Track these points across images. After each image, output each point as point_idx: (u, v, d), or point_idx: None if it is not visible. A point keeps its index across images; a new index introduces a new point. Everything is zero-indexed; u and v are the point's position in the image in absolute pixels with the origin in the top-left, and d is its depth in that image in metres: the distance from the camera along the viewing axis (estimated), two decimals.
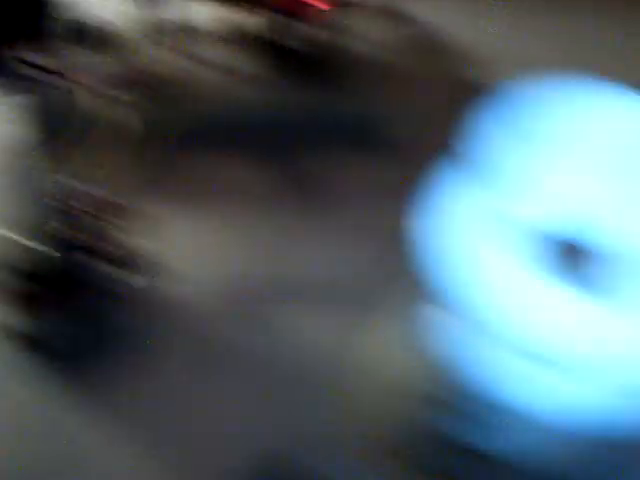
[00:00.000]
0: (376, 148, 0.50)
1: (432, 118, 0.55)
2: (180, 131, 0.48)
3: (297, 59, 0.51)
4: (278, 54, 0.52)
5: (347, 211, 0.46)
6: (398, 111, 0.50)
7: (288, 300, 0.42)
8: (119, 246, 0.44)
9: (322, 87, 0.50)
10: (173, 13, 0.54)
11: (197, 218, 0.46)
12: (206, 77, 0.50)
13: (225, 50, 0.53)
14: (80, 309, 0.47)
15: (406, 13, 0.66)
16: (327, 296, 0.41)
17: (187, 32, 0.54)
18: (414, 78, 0.52)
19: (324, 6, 0.50)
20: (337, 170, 0.48)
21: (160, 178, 0.48)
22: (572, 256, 0.34)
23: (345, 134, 0.49)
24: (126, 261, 0.44)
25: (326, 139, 0.49)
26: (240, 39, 0.55)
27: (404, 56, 0.54)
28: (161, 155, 0.46)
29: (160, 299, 0.42)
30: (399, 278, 0.47)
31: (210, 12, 0.59)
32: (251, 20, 0.56)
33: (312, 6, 0.51)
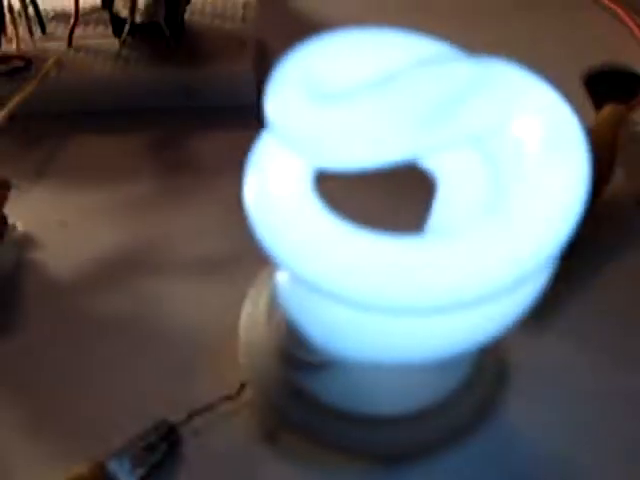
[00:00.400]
0: (239, 117, 0.49)
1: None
2: (41, 107, 0.47)
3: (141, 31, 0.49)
4: (122, 27, 0.49)
5: (216, 183, 0.45)
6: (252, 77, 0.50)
7: (157, 272, 0.42)
8: None
9: (172, 59, 0.49)
10: None
11: (62, 192, 0.44)
12: (61, 53, 0.50)
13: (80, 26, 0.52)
14: None
15: None
16: (196, 268, 0.40)
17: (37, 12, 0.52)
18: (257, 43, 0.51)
19: None
20: (204, 142, 0.47)
21: (22, 153, 0.47)
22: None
23: (203, 104, 0.49)
24: None
25: (184, 110, 0.48)
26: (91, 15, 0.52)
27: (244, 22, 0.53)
28: (22, 129, 0.45)
29: (25, 271, 0.41)
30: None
31: None
32: None
33: None
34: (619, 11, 0.63)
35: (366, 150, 0.28)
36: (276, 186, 0.30)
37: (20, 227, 0.46)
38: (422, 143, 0.29)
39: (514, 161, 0.29)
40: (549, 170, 0.29)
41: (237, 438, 0.37)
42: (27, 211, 0.47)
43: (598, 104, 0.55)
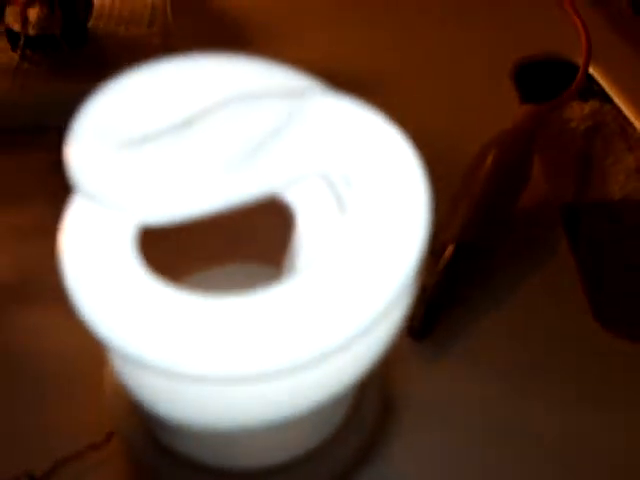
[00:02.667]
0: None
1: None
2: None
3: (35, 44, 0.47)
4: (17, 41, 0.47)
5: None
6: None
7: (30, 304, 0.40)
8: None
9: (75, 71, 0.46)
10: None
11: None
12: None
13: None
14: None
15: None
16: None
17: None
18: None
19: None
20: None
21: None
22: None
23: None
24: None
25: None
26: None
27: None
28: None
29: None
30: None
31: None
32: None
33: None
34: None
35: (172, 199, 0.26)
36: (90, 245, 0.27)
37: None
38: (236, 186, 0.26)
39: (350, 198, 0.27)
40: (383, 208, 0.26)
41: None
42: None
43: (531, 96, 0.53)
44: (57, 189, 0.48)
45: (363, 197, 0.27)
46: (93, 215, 0.28)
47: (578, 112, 0.52)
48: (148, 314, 0.25)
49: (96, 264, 0.27)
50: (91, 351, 0.36)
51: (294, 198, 0.30)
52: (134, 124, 0.28)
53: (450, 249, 0.40)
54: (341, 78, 0.53)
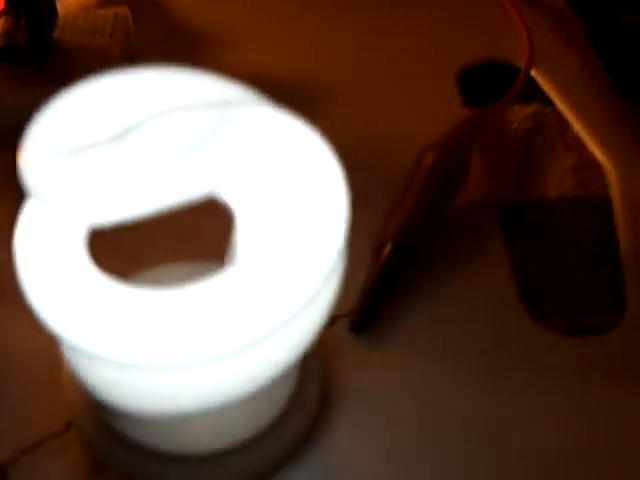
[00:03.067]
0: None
1: None
2: None
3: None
4: None
5: None
6: None
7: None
8: None
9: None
10: None
11: None
12: None
13: None
14: None
15: None
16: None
17: None
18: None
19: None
20: None
21: None
22: None
23: None
24: None
25: None
26: None
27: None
28: None
29: None
30: None
31: None
32: None
33: None
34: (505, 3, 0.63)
35: (115, 200, 0.29)
36: (43, 245, 0.30)
37: None
38: (170, 187, 0.29)
39: (277, 198, 0.30)
40: (306, 205, 0.30)
41: (64, 475, 0.37)
42: None
43: (475, 100, 0.55)
44: (15, 193, 0.50)
45: (288, 197, 0.30)
46: (45, 217, 0.30)
47: (520, 114, 0.55)
48: (95, 308, 0.28)
49: (48, 262, 0.30)
50: (50, 351, 0.39)
51: (232, 199, 0.33)
52: (81, 132, 0.30)
53: (388, 248, 0.42)
54: (289, 84, 0.56)
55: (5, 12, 0.51)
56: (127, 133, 0.30)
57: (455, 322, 0.43)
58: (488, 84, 0.58)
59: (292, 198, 0.30)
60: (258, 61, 0.58)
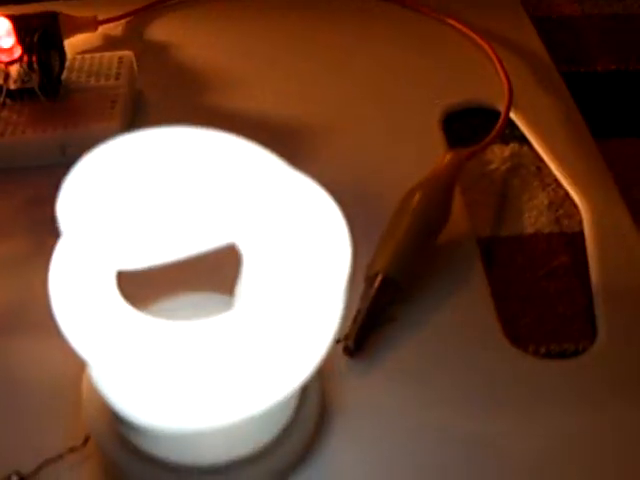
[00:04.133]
0: None
1: None
2: None
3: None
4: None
5: None
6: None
7: (15, 329, 0.43)
8: None
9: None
10: None
11: None
12: None
13: None
14: None
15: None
16: (54, 325, 0.41)
17: None
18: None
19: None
20: None
21: None
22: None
23: (77, 161, 0.50)
24: None
25: (59, 167, 0.49)
26: None
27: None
28: None
29: None
30: None
31: None
32: None
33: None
34: (485, 46, 0.67)
35: (141, 252, 0.32)
36: (77, 281, 0.34)
37: None
38: (189, 242, 0.33)
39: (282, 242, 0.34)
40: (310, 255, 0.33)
41: None
42: None
43: (457, 141, 0.59)
44: (33, 223, 0.54)
45: (294, 240, 0.33)
46: (78, 255, 0.34)
47: (499, 154, 0.59)
48: (121, 336, 0.32)
49: (80, 294, 0.33)
50: (70, 369, 0.42)
51: (240, 240, 0.36)
52: (115, 181, 0.34)
53: (379, 279, 0.46)
54: (283, 126, 0.60)
55: (21, 58, 0.55)
56: (156, 187, 0.33)
57: (440, 348, 0.46)
58: (468, 126, 0.61)
59: (298, 240, 0.34)
60: (255, 105, 0.62)
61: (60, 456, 0.40)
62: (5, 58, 0.55)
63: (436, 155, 0.56)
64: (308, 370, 0.35)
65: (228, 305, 0.36)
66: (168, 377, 0.31)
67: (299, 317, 0.32)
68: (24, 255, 0.52)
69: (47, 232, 0.53)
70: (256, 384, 0.33)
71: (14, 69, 0.55)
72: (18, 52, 0.55)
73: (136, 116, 0.60)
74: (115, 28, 0.70)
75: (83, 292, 0.33)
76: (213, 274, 0.39)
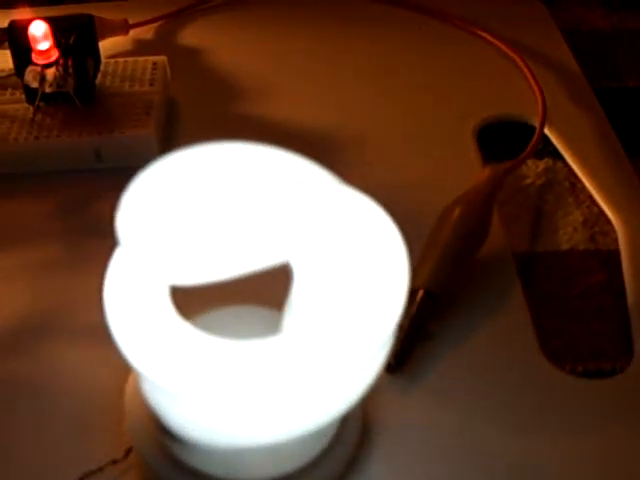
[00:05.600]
0: None
1: None
2: None
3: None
4: (34, 96, 0.50)
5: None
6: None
7: (55, 336, 0.43)
8: None
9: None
10: None
11: None
12: None
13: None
14: None
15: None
16: (94, 334, 0.41)
17: None
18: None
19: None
20: (110, 205, 0.47)
21: None
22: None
23: (111, 166, 0.49)
24: None
25: (94, 172, 0.48)
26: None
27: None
28: None
29: None
30: None
31: None
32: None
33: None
34: (517, 59, 0.67)
35: (204, 268, 0.32)
36: (132, 293, 0.33)
37: None
38: (246, 260, 0.33)
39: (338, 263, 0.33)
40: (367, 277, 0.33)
41: None
42: None
43: (491, 158, 0.59)
44: (66, 229, 0.54)
45: (350, 260, 0.33)
46: (134, 267, 0.34)
47: (533, 169, 0.59)
48: (176, 351, 0.31)
49: (135, 306, 0.33)
50: (113, 380, 0.42)
51: (294, 258, 0.36)
52: (174, 200, 0.33)
53: (421, 294, 0.46)
54: (316, 135, 0.60)
55: (57, 61, 0.55)
56: (211, 204, 0.33)
57: (479, 365, 0.46)
58: (499, 139, 0.61)
59: (353, 259, 0.34)
60: (288, 114, 0.62)
61: (101, 468, 0.40)
62: (42, 61, 0.54)
63: (471, 168, 0.56)
64: (360, 393, 0.35)
65: (276, 320, 0.36)
66: (221, 395, 0.31)
67: (354, 342, 0.32)
68: (60, 260, 0.52)
69: (81, 236, 0.54)
70: (307, 406, 0.33)
71: (50, 72, 0.55)
72: (54, 55, 0.55)
73: (169, 123, 0.60)
74: (146, 32, 0.70)
75: (138, 304, 0.33)
76: (261, 287, 0.39)
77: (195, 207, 0.33)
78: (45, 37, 0.54)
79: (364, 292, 0.33)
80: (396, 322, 0.33)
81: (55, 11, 0.66)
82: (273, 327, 0.35)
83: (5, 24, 0.58)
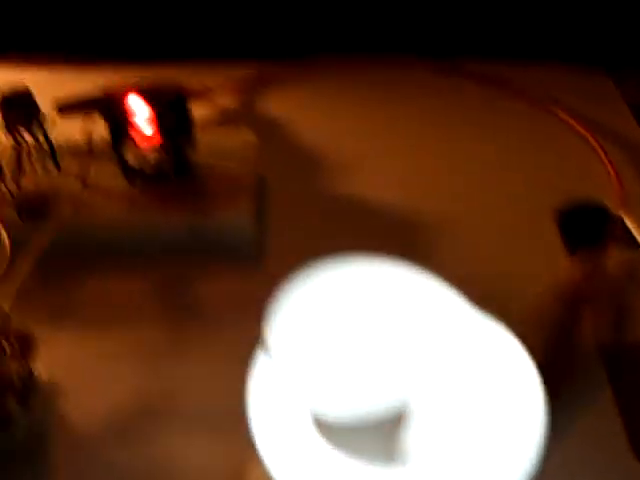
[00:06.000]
0: (238, 258, 0.50)
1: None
2: (54, 248, 0.48)
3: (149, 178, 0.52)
4: (132, 174, 0.51)
5: (218, 330, 0.46)
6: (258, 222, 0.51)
7: (167, 422, 0.43)
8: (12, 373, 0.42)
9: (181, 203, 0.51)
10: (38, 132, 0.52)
11: (78, 339, 0.46)
12: (73, 192, 0.50)
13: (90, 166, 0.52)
14: None
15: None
16: (199, 420, 0.41)
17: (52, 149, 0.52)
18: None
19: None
20: (205, 284, 0.48)
21: (36, 296, 0.48)
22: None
23: (206, 245, 0.50)
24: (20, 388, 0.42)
25: (187, 251, 0.50)
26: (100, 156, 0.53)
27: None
28: (37, 272, 0.46)
29: (44, 420, 0.42)
30: None
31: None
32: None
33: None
34: (592, 141, 0.68)
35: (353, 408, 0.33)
36: (277, 405, 0.35)
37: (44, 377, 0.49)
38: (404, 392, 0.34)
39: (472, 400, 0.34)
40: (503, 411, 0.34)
41: None
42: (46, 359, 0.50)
43: (571, 243, 0.60)
44: (164, 310, 0.54)
45: (477, 398, 0.34)
46: (279, 380, 0.35)
47: (612, 257, 0.60)
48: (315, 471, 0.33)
49: (277, 417, 0.34)
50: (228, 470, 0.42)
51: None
52: (316, 316, 0.35)
53: None
54: (393, 214, 0.61)
55: (159, 146, 0.56)
56: (351, 328, 0.34)
57: (566, 461, 0.46)
58: (581, 225, 0.62)
59: (484, 398, 0.34)
60: (370, 191, 0.63)
61: None
62: (144, 143, 0.56)
63: (554, 254, 0.58)
64: None
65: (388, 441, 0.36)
66: None
67: None
68: (160, 342, 0.52)
69: (177, 318, 0.54)
70: None
71: (152, 156, 0.56)
72: (156, 139, 0.56)
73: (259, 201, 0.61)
74: (227, 100, 0.72)
75: (282, 420, 0.34)
76: None
77: (336, 329, 0.34)
78: (150, 122, 0.55)
79: (495, 435, 0.34)
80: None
81: (132, 72, 0.65)
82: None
83: (82, 84, 0.62)
